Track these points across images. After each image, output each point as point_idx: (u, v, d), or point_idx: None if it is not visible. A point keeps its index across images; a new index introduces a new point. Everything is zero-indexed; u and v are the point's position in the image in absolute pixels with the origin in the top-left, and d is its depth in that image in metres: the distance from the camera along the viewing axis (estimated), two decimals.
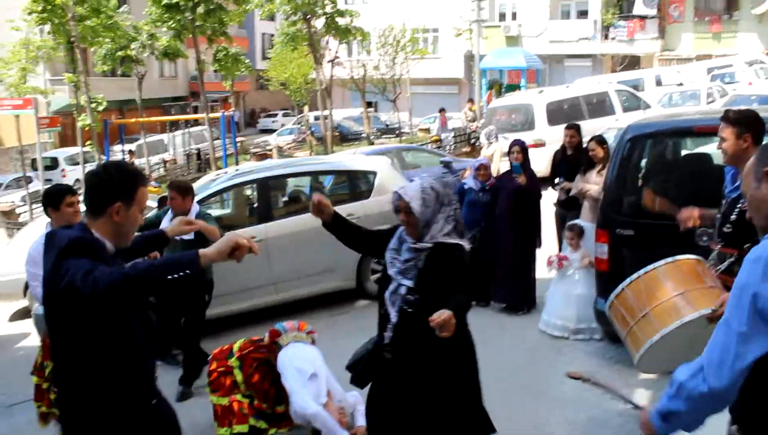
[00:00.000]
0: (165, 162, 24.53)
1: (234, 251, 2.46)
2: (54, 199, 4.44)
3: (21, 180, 18.34)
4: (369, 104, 29.87)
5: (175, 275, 2.34)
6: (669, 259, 3.77)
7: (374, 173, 8.79)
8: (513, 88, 20.57)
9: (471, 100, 21.95)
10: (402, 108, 29.96)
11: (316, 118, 25.33)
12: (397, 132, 29.06)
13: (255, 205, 8.39)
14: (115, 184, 2.62)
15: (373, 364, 3.23)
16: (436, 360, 3.08)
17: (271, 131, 38.45)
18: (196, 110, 35.28)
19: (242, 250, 2.48)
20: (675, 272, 3.69)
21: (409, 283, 3.14)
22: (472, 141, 18.77)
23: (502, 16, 32.52)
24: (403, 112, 30.13)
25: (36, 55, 21.73)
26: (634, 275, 3.91)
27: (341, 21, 22.63)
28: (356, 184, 8.70)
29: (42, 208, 4.48)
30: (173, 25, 19.25)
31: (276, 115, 46.59)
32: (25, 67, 21.33)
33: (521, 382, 5.51)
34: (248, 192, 8.63)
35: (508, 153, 7.36)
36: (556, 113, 14.00)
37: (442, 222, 3.14)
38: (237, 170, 9.30)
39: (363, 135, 27.48)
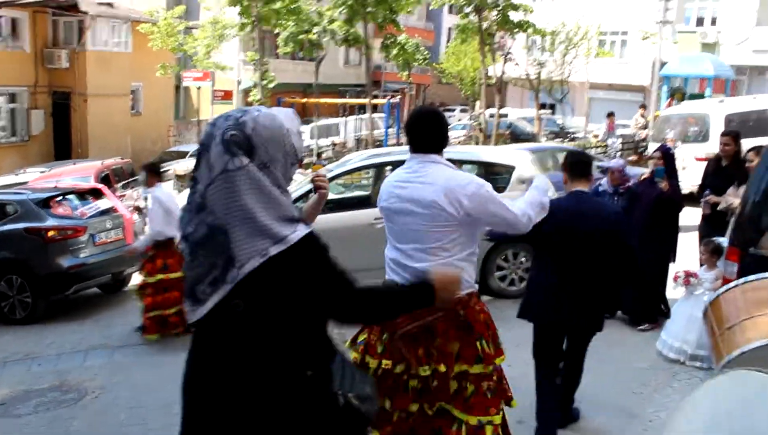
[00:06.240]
0: (334, 144, 25.47)
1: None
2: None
3: None
4: (544, 105, 29.09)
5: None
6: None
7: (512, 168, 8.54)
8: (697, 98, 19.04)
9: (643, 106, 20.63)
10: (580, 112, 28.86)
11: (491, 116, 25.06)
12: (569, 136, 28.10)
13: None
14: None
15: None
16: None
17: None
18: (375, 99, 36.43)
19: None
20: None
21: None
22: (640, 149, 17.68)
23: (700, 21, 30.09)
24: (581, 116, 29.05)
25: (221, 33, 23.32)
26: (734, 283, 3.56)
27: (514, 16, 22.09)
28: (492, 178, 8.47)
29: None
30: (345, 10, 19.78)
31: (454, 110, 46.77)
32: (209, 43, 22.94)
33: (620, 402, 5.10)
34: (383, 173, 8.68)
35: (650, 158, 6.84)
36: (738, 127, 12.76)
37: None
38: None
39: (534, 136, 26.89)
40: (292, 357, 2.10)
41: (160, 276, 7.06)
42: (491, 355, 3.30)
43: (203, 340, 2.19)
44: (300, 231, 2.06)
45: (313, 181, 3.42)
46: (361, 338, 3.41)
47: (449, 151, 9.07)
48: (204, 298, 2.09)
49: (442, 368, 3.18)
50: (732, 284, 3.43)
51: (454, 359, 3.20)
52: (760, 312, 3.35)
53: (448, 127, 3.39)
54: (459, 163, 8.92)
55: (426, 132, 3.27)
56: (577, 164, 4.42)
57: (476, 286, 3.38)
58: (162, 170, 7.84)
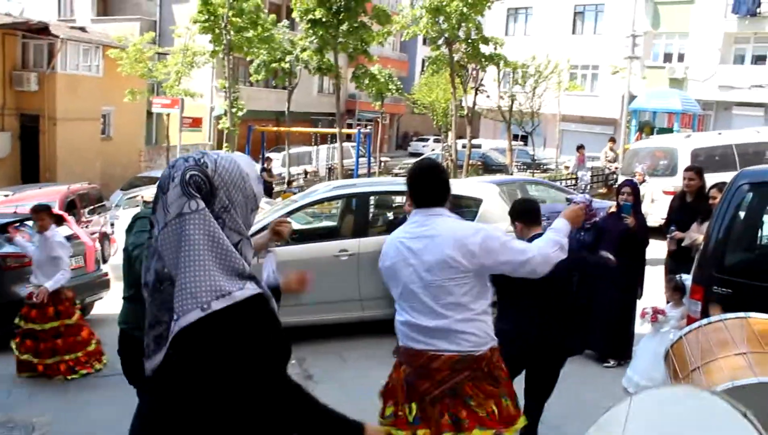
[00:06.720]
0: (306, 173, 25.43)
1: None
2: None
3: None
4: (516, 137, 29.37)
5: None
6: (740, 314, 3.32)
7: (480, 201, 8.49)
8: (665, 132, 19.35)
9: (613, 140, 20.92)
10: (552, 144, 29.21)
11: (464, 146, 25.27)
12: (541, 167, 28.39)
13: (352, 219, 8.34)
14: None
15: None
16: None
17: (419, 155, 38.80)
18: (350, 127, 36.63)
19: None
20: (743, 330, 3.24)
21: None
22: (610, 182, 17.86)
23: (668, 57, 30.78)
24: (553, 148, 29.41)
25: (192, 60, 23.22)
26: (695, 324, 3.49)
27: (485, 49, 22.30)
28: (458, 210, 8.40)
29: None
30: (316, 40, 19.82)
31: (428, 139, 47.08)
32: (179, 70, 22.82)
33: None
34: (347, 205, 8.59)
35: (617, 193, 6.83)
36: (704, 161, 12.94)
37: None
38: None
39: (506, 167, 27.14)
40: (234, 416, 1.94)
41: (54, 323, 6.96)
42: (515, 415, 3.24)
43: (147, 386, 2.05)
44: (248, 290, 1.90)
45: (275, 225, 3.24)
46: (388, 412, 3.28)
47: None
48: (149, 354, 1.95)
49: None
50: (694, 325, 3.37)
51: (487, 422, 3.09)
52: (723, 354, 3.28)
53: (449, 178, 3.33)
54: None
55: (428, 186, 3.22)
56: (528, 212, 4.49)
57: (495, 340, 3.24)
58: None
